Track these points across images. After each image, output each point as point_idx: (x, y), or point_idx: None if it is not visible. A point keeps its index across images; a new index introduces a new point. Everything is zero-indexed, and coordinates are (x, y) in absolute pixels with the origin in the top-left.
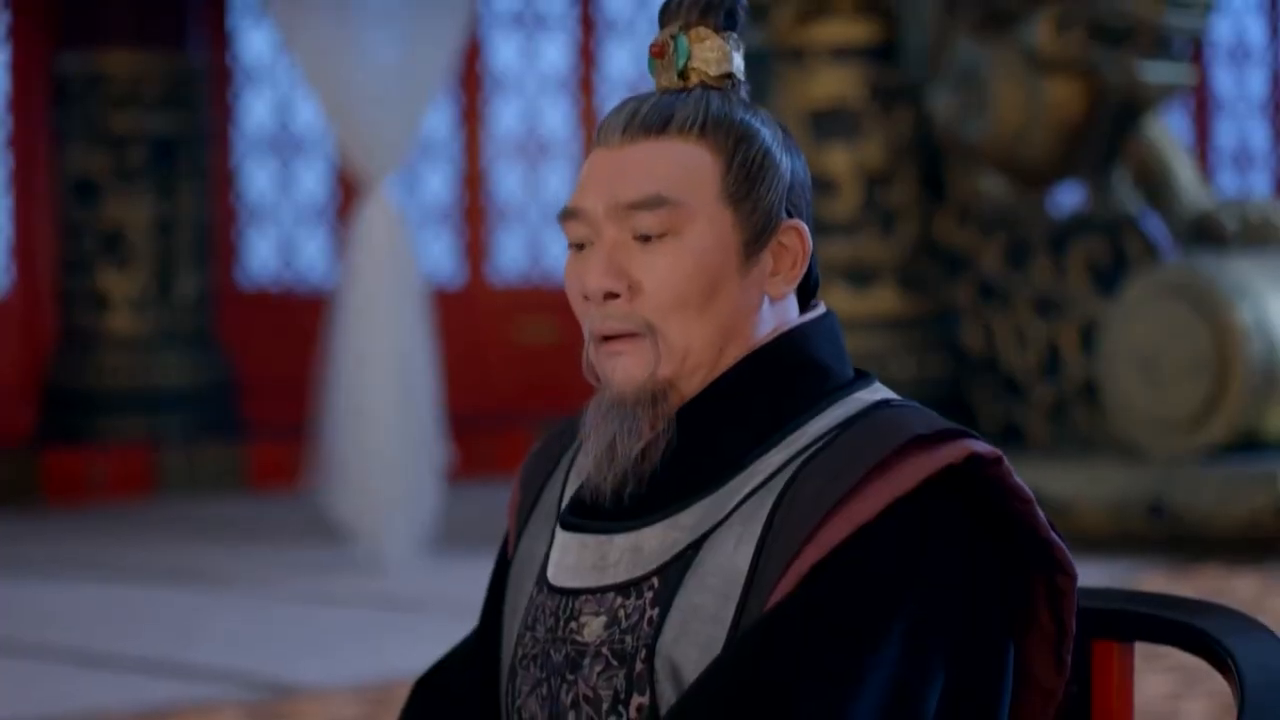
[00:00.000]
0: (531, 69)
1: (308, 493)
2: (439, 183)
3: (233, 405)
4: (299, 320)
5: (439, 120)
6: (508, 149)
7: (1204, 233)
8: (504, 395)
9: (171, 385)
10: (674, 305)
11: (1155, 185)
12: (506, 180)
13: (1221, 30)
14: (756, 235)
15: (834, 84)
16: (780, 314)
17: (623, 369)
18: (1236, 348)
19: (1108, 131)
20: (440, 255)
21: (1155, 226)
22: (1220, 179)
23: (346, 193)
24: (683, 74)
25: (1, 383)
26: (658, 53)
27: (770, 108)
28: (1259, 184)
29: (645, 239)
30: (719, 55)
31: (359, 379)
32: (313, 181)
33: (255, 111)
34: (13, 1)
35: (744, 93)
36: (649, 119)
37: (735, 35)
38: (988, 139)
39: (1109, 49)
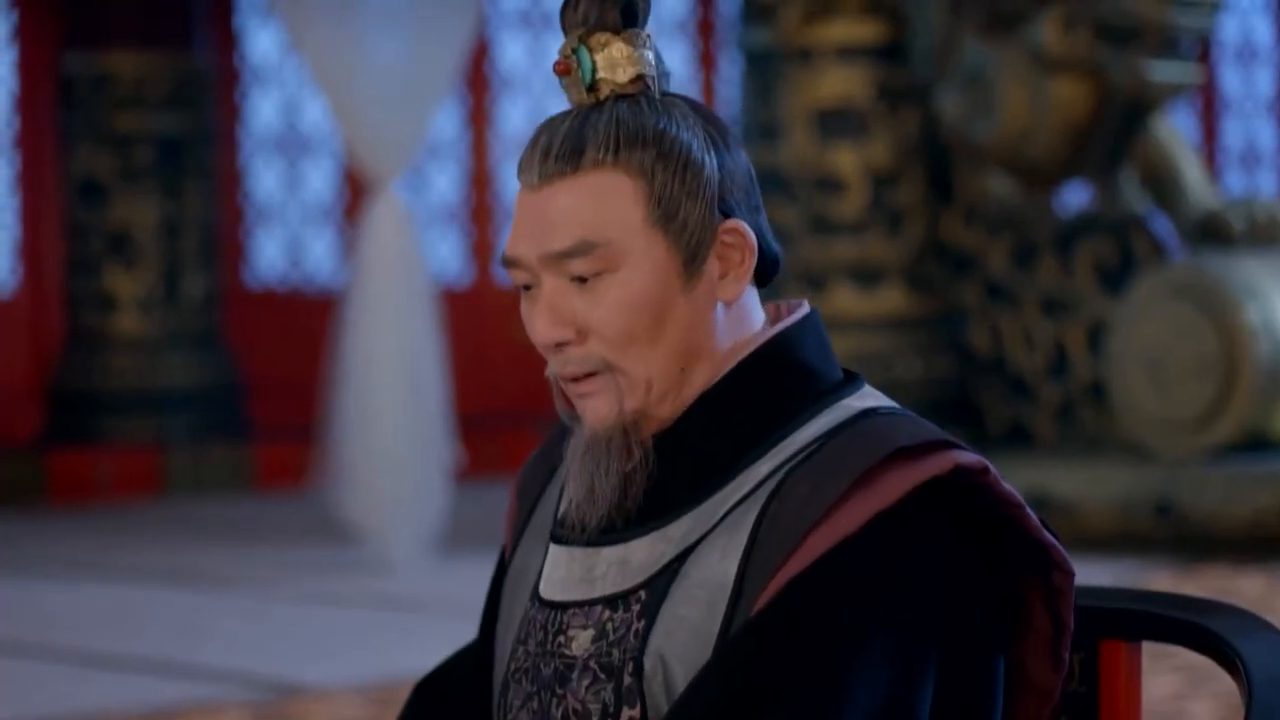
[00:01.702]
0: (539, 69)
1: (314, 493)
2: (446, 183)
3: (239, 406)
4: (306, 321)
5: (446, 120)
6: (515, 149)
7: (1211, 232)
8: (511, 395)
9: (178, 386)
10: (624, 341)
11: (1162, 185)
12: (514, 180)
13: (1228, 30)
14: (693, 252)
15: (841, 84)
16: (740, 313)
17: (592, 410)
18: (1244, 348)
19: (1114, 131)
20: (448, 255)
21: (1162, 226)
22: (1227, 178)
23: (354, 193)
24: (592, 88)
25: (8, 383)
26: (563, 70)
27: (777, 107)
28: (1266, 183)
29: (582, 279)
30: (625, 58)
31: (367, 379)
32: (320, 181)
33: (262, 111)
34: (19, 2)
35: (664, 88)
36: (561, 155)
37: (640, 32)
38: (994, 139)
39: (1116, 49)
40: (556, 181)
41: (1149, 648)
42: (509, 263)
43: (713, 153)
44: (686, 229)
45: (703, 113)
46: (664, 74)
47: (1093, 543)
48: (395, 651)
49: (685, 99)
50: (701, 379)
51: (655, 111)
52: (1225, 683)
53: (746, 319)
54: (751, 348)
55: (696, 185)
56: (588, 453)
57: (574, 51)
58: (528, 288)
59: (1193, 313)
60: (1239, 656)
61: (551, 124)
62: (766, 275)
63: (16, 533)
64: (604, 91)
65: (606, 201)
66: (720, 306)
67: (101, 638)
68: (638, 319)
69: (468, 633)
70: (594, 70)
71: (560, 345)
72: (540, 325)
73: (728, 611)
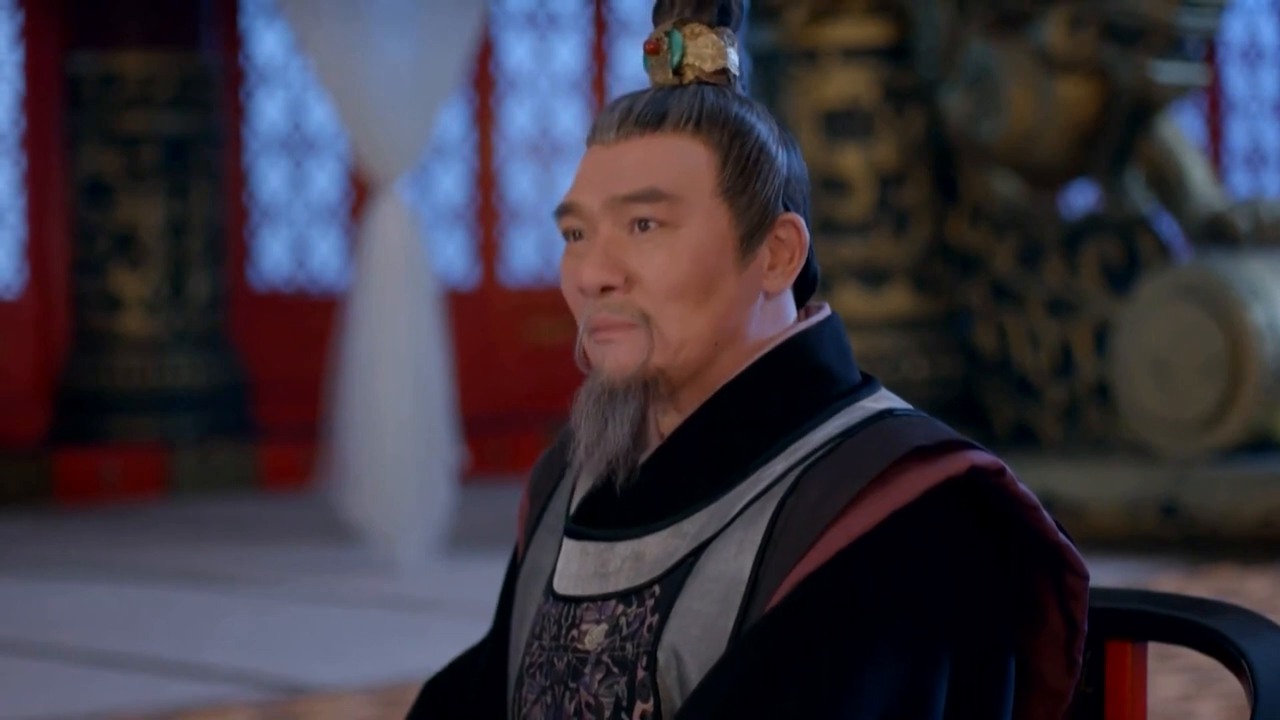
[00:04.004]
0: (544, 69)
1: (320, 493)
2: (452, 183)
3: (245, 406)
4: (311, 321)
5: (452, 120)
6: (520, 149)
7: (1217, 233)
8: (516, 396)
9: (184, 386)
10: (671, 296)
11: (1168, 185)
12: (519, 180)
13: (1234, 30)
14: (753, 229)
15: (847, 84)
16: (777, 310)
17: (613, 357)
18: (1249, 348)
19: (1120, 132)
20: (453, 256)
21: (1168, 227)
22: (1233, 179)
23: (359, 193)
24: (678, 70)
25: (14, 384)
26: (652, 49)
27: (783, 108)
28: (1271, 184)
29: (643, 227)
30: (714, 51)
31: (371, 380)
32: (325, 181)
33: (268, 111)
34: (25, 2)
35: (740, 89)
36: (644, 115)
37: (730, 32)
38: (1000, 139)
39: (1121, 49)
40: (634, 138)
41: (1155, 648)
42: (565, 209)
43: (784, 150)
44: (751, 207)
45: (776, 119)
46: (744, 84)
47: (1099, 543)
48: (401, 652)
49: (759, 104)
50: (727, 366)
51: (736, 101)
52: (1231, 684)
53: (780, 318)
54: (771, 345)
55: (768, 171)
56: (602, 397)
57: (667, 34)
58: (577, 236)
59: (1198, 313)
60: (1245, 657)
61: (634, 94)
62: (805, 291)
63: (23, 533)
64: (688, 76)
65: (681, 162)
66: (761, 297)
67: (107, 637)
68: (689, 277)
69: (474, 633)
70: (683, 53)
71: (605, 290)
72: (590, 269)
73: (742, 607)
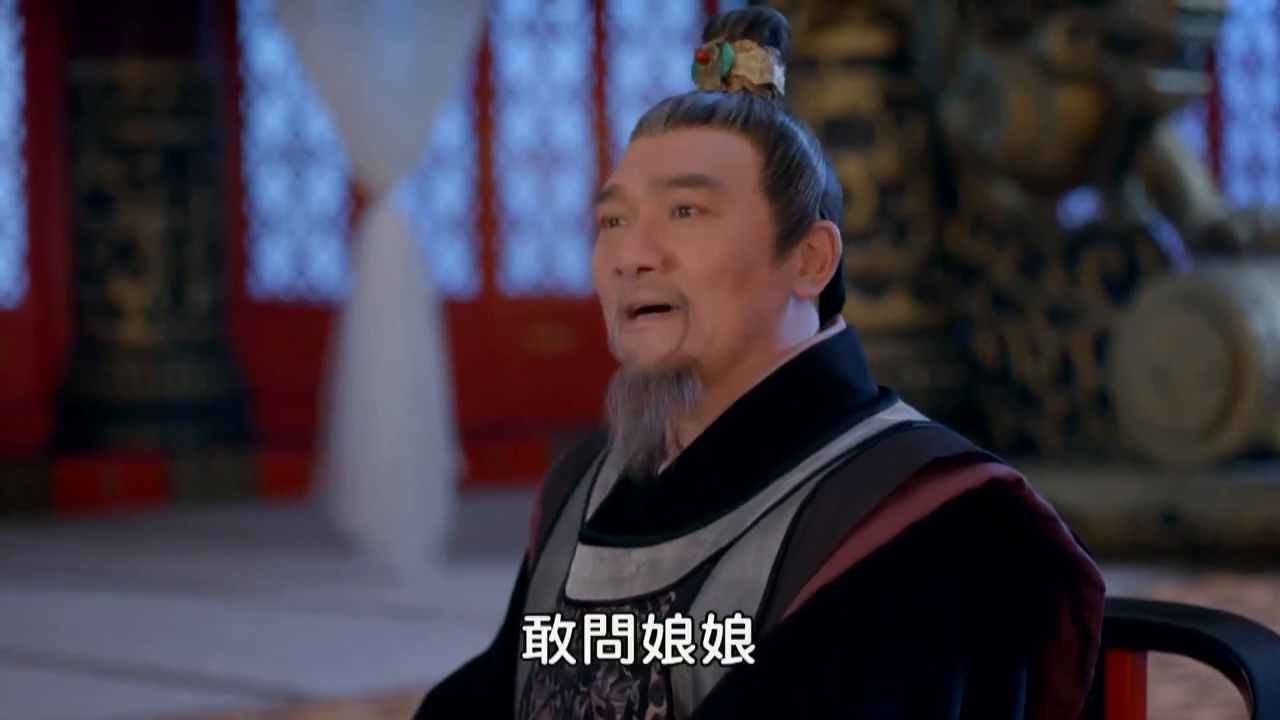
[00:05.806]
0: (544, 78)
1: (319, 502)
2: (452, 192)
3: (245, 415)
4: (311, 330)
5: (452, 129)
6: (520, 158)
7: (1217, 242)
8: (516, 404)
9: (184, 395)
10: (708, 281)
11: (1168, 194)
12: (519, 189)
13: (1234, 39)
14: (791, 229)
15: (847, 93)
16: (802, 320)
17: (647, 345)
18: (1249, 357)
19: (1120, 141)
20: (453, 264)
21: (1168, 236)
22: (1233, 188)
23: (359, 202)
24: (726, 79)
25: (14, 392)
26: (703, 58)
27: None
28: (1271, 193)
29: (684, 214)
30: (762, 66)
31: (370, 388)
32: (325, 190)
33: (268, 120)
34: (25, 11)
35: (782, 105)
36: (693, 110)
37: (778, 53)
38: (1000, 148)
39: (1121, 58)
40: (684, 128)
41: (1155, 657)
42: (607, 193)
43: (824, 164)
44: (791, 206)
45: (814, 135)
46: (783, 101)
47: (1099, 552)
48: (401, 660)
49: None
50: (751, 370)
51: (781, 112)
52: (1231, 692)
53: (804, 330)
54: (790, 356)
55: (809, 177)
56: (637, 384)
57: (719, 46)
58: (614, 224)
59: (1198, 322)
60: (1245, 666)
61: (682, 94)
62: (830, 310)
63: (23, 541)
64: (734, 86)
65: (728, 154)
66: (791, 302)
67: (108, 646)
68: (727, 263)
69: (473, 641)
70: (733, 64)
71: (642, 270)
72: (630, 249)
73: (758, 614)
